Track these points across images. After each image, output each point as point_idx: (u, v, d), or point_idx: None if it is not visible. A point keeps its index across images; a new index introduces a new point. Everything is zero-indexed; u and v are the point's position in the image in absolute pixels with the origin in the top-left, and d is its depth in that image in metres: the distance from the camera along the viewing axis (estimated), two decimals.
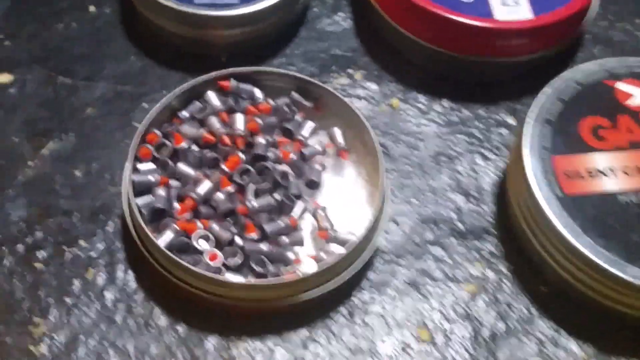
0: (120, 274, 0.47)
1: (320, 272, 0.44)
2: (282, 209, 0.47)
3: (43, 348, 0.45)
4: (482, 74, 0.56)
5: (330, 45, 0.58)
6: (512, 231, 0.49)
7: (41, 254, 0.48)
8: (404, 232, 0.50)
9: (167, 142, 0.48)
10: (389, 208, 0.49)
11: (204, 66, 0.52)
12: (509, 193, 0.49)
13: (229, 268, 0.45)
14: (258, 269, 0.45)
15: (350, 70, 0.57)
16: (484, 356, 0.45)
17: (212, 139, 0.48)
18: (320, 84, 0.50)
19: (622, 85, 0.50)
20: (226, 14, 0.53)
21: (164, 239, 0.45)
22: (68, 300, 0.46)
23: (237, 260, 0.45)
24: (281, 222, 0.46)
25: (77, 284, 0.47)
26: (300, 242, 0.46)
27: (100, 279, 0.47)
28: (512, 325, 0.47)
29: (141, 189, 0.47)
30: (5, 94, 0.54)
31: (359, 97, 0.55)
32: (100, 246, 0.48)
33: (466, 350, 0.46)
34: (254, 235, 0.46)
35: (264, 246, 0.45)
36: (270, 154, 0.48)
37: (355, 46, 0.58)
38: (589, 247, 0.44)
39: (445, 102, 0.55)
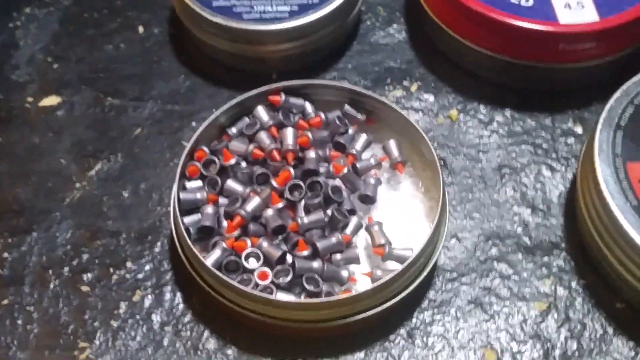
0: (167, 295, 0.46)
1: (376, 289, 0.41)
2: (335, 225, 0.45)
3: None
4: (546, 81, 0.53)
5: (384, 57, 0.56)
6: (584, 245, 0.46)
7: (87, 276, 0.46)
8: (466, 249, 0.47)
9: (215, 159, 0.46)
10: (450, 223, 0.46)
11: (253, 83, 0.50)
12: (579, 204, 0.46)
13: (279, 287, 0.43)
14: (310, 287, 0.42)
15: (405, 83, 0.54)
16: None
17: (261, 154, 0.47)
18: (374, 95, 0.48)
19: None
20: (276, 28, 0.52)
21: (212, 258, 0.43)
22: (114, 323, 0.45)
23: (287, 278, 0.43)
24: (334, 239, 0.44)
25: (123, 306, 0.45)
26: (355, 260, 0.44)
27: (147, 301, 0.45)
28: (586, 345, 0.43)
29: (189, 208, 0.45)
30: (53, 117, 0.53)
31: (415, 110, 0.53)
32: (148, 267, 0.47)
33: None
34: (305, 252, 0.43)
35: (316, 264, 0.43)
36: (322, 169, 0.46)
37: (410, 58, 0.56)
38: None
39: (508, 112, 0.53)
